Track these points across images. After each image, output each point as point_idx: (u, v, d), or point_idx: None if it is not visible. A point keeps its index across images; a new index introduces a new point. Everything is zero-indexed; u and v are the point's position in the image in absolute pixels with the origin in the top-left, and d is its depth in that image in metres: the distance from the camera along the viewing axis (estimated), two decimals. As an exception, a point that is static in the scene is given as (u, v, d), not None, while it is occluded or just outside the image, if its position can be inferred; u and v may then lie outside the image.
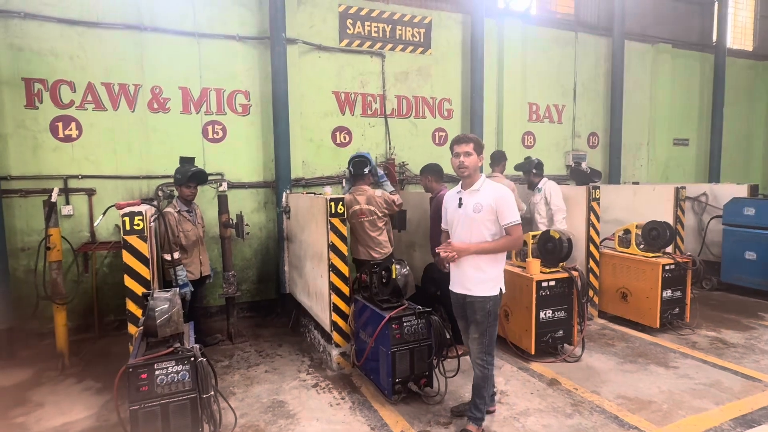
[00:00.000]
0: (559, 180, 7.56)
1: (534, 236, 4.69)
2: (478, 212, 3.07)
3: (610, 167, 8.70)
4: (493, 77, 7.60)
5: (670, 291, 5.09)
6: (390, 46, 6.81)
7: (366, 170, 4.72)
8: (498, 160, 6.03)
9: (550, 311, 4.41)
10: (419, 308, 3.72)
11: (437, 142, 7.30)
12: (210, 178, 5.68)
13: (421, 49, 7.04)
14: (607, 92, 8.67)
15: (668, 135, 9.52)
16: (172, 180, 5.53)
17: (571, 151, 8.41)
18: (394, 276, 3.77)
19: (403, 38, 6.90)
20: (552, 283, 4.39)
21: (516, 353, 4.55)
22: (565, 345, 4.58)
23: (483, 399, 3.21)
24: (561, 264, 4.52)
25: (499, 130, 7.75)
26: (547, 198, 5.64)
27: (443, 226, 3.42)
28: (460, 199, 3.18)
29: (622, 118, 8.58)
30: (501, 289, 3.16)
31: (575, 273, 4.45)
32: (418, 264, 5.42)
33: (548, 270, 4.46)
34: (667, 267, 5.04)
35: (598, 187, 5.65)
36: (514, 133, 7.81)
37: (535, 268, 4.41)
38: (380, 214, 4.66)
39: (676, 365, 4.33)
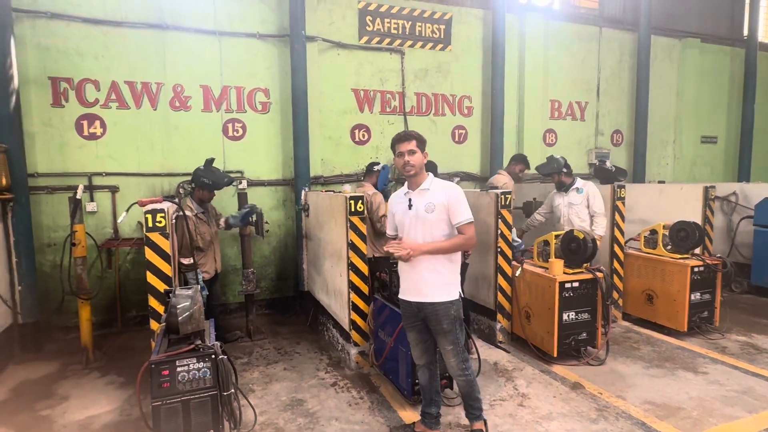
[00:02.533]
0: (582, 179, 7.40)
1: (557, 236, 4.59)
2: (431, 212, 2.90)
3: (635, 166, 8.49)
4: (514, 74, 7.48)
5: (699, 294, 4.93)
6: (409, 42, 6.76)
7: (375, 168, 5.22)
8: (516, 161, 6.10)
9: (574, 313, 4.31)
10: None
11: (457, 140, 7.22)
12: (230, 175, 5.72)
13: (440, 46, 6.97)
14: (632, 88, 8.46)
15: (696, 132, 9.25)
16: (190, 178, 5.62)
17: (594, 149, 8.23)
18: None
19: (423, 35, 6.84)
20: (575, 284, 4.29)
21: (537, 355, 4.47)
22: (589, 348, 4.48)
23: (476, 399, 3.10)
24: (585, 265, 4.41)
25: (520, 128, 7.63)
26: (589, 201, 5.28)
27: (389, 231, 3.19)
28: (410, 200, 2.99)
29: (647, 115, 8.36)
30: (460, 293, 3.00)
31: (600, 274, 4.34)
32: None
33: (571, 271, 4.36)
34: (696, 269, 4.88)
35: (623, 186, 5.52)
36: (535, 131, 7.68)
37: (558, 268, 4.32)
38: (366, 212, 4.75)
39: (706, 371, 4.19)
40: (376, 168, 5.29)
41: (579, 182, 5.43)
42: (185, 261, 4.35)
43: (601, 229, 5.22)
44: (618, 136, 8.53)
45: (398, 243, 2.91)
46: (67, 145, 5.29)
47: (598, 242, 5.06)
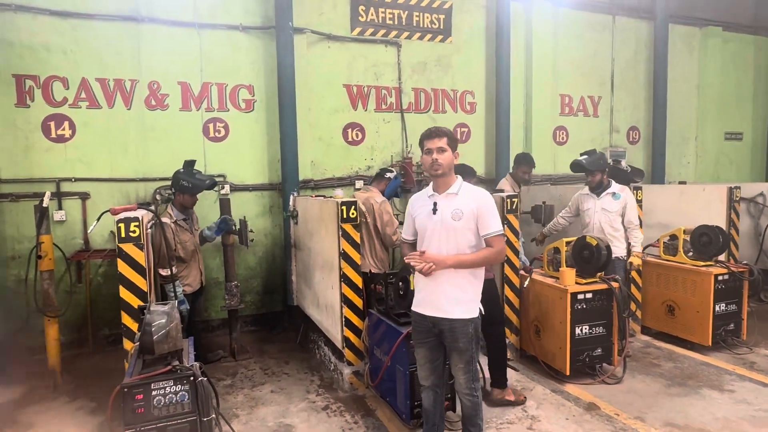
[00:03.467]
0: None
1: (568, 243, 4.61)
2: (458, 220, 2.86)
3: (653, 165, 8.54)
4: (521, 67, 7.54)
5: (723, 304, 4.95)
6: (406, 34, 6.81)
7: (387, 175, 5.14)
8: (518, 163, 6.09)
9: (587, 327, 4.32)
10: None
11: (459, 138, 7.24)
12: (213, 177, 5.74)
13: (440, 37, 7.02)
14: (648, 82, 8.52)
15: (719, 128, 9.31)
16: (170, 182, 5.63)
17: (608, 148, 8.27)
18: (412, 288, 3.72)
19: (421, 25, 6.89)
20: (589, 295, 4.30)
21: (548, 374, 4.48)
22: (604, 365, 4.48)
23: (477, 425, 3.09)
24: (599, 274, 4.43)
25: (528, 126, 7.67)
26: (626, 210, 5.04)
27: (406, 236, 3.18)
28: (435, 204, 2.95)
29: (666, 110, 8.42)
30: (480, 310, 3.00)
31: (615, 284, 4.36)
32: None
33: (584, 281, 4.38)
34: (720, 277, 4.90)
35: (641, 188, 5.54)
36: (544, 129, 7.73)
37: (569, 278, 4.34)
38: (369, 219, 4.77)
39: (732, 388, 4.20)
40: (387, 175, 5.15)
41: (615, 186, 5.15)
42: (162, 272, 4.35)
43: (638, 244, 5.04)
44: (634, 133, 8.59)
45: (418, 255, 2.85)
46: (33, 149, 5.30)
47: (638, 260, 5.01)
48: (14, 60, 5.18)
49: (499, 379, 4.00)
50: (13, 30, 5.16)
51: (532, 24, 7.53)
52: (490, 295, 3.86)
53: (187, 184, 4.65)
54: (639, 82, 8.50)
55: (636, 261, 5.00)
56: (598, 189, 5.16)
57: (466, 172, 4.58)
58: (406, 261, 2.91)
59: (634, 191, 5.43)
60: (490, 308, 3.69)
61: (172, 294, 4.34)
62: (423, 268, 2.79)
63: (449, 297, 2.91)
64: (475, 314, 2.96)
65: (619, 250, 5.00)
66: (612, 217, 5.07)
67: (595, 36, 8.08)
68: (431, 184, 3.05)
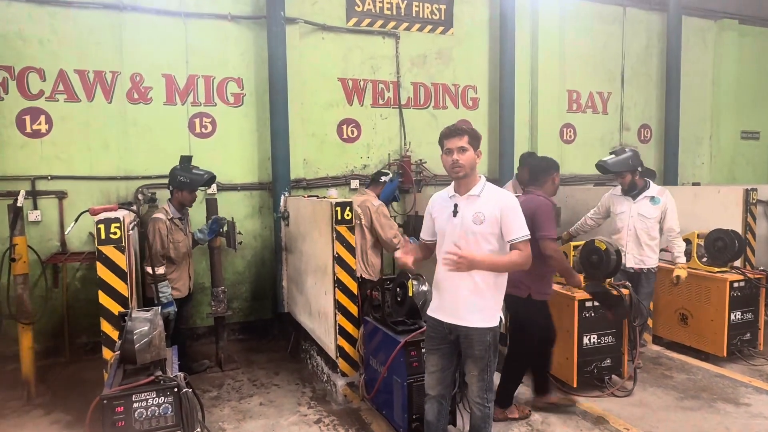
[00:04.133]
0: (604, 181, 7.48)
1: (575, 247, 4.63)
2: (480, 224, 2.87)
3: (666, 165, 8.57)
4: (526, 61, 7.57)
5: (739, 313, 4.98)
6: (405, 25, 6.83)
7: (382, 179, 5.20)
8: (524, 165, 6.01)
9: (596, 336, 4.34)
10: (440, 332, 3.68)
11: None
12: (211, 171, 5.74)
13: (441, 29, 7.04)
14: (661, 77, 8.57)
15: (735, 127, 9.36)
16: (153, 182, 5.63)
17: (618, 147, 8.30)
18: (410, 294, 3.74)
19: (421, 16, 6.92)
20: (597, 302, 4.32)
21: (554, 385, 4.48)
22: (614, 376, 4.50)
23: None
24: (608, 280, 4.45)
25: (533, 123, 7.70)
26: (666, 215, 4.82)
27: (425, 236, 3.21)
28: (456, 205, 2.97)
29: (679, 107, 8.46)
30: (501, 318, 3.02)
31: (625, 291, 4.38)
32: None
33: (593, 287, 4.40)
34: (735, 284, 4.94)
35: (652, 189, 5.56)
36: (550, 126, 7.76)
37: (577, 284, 4.35)
38: (363, 221, 4.84)
39: (748, 402, 4.22)
40: (383, 179, 5.19)
41: (654, 188, 4.90)
42: (160, 270, 4.42)
43: (682, 254, 4.90)
44: (646, 131, 8.63)
45: (454, 253, 2.78)
46: (7, 144, 5.28)
47: (684, 273, 4.88)
48: (-13, 50, 5.17)
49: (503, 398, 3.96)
50: (-14, 18, 5.15)
51: (538, 15, 7.57)
52: (545, 314, 3.93)
53: (185, 180, 4.68)
54: (651, 78, 8.55)
55: (683, 274, 4.87)
56: (632, 191, 4.90)
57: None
58: (450, 252, 2.78)
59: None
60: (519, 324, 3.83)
61: (165, 293, 4.39)
62: (459, 268, 2.76)
63: (468, 303, 2.94)
64: (495, 323, 2.97)
65: (651, 261, 4.85)
66: (650, 224, 4.82)
67: (605, 28, 8.12)
68: (452, 183, 3.05)
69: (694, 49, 8.82)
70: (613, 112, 8.31)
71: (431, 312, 3.13)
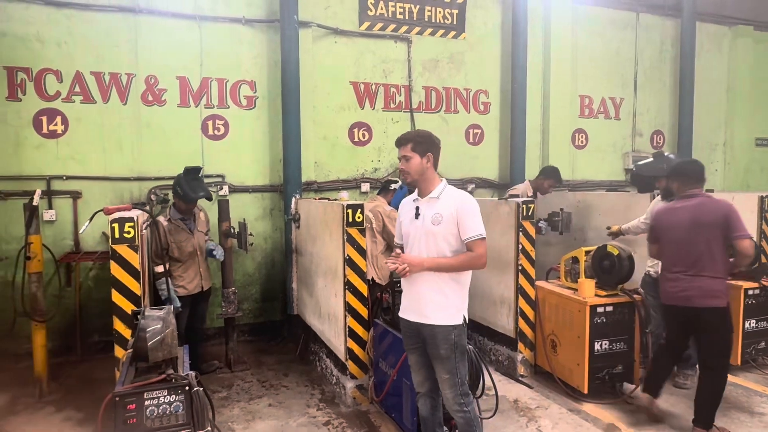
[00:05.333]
0: (617, 187, 7.43)
1: (587, 252, 4.60)
2: (438, 225, 2.97)
3: (679, 172, 8.49)
4: (538, 66, 7.55)
5: (754, 321, 4.91)
6: (417, 29, 6.85)
7: (392, 186, 5.38)
8: (546, 175, 6.12)
9: (607, 342, 4.31)
10: (451, 335, 3.67)
11: (471, 140, 7.27)
12: (209, 180, 5.79)
13: (453, 33, 7.06)
14: (674, 83, 8.51)
15: (749, 134, 9.25)
16: (166, 182, 5.68)
17: (630, 153, 8.25)
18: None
19: (433, 20, 6.94)
20: (609, 308, 4.30)
21: (565, 391, 4.46)
22: (626, 383, 4.46)
23: None
24: (620, 286, 4.42)
25: (545, 128, 7.67)
26: None
27: (397, 240, 3.31)
28: (417, 208, 3.08)
29: (692, 113, 8.39)
30: (465, 317, 3.06)
31: (638, 297, 4.35)
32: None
33: (605, 293, 4.37)
34: (750, 292, 4.87)
35: (665, 195, 5.51)
36: (562, 131, 7.72)
37: (588, 290, 4.33)
38: (374, 225, 4.99)
39: (763, 411, 4.17)
40: (393, 186, 5.40)
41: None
42: (157, 269, 4.51)
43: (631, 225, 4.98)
44: (659, 137, 8.57)
45: (395, 257, 2.98)
46: (24, 145, 5.36)
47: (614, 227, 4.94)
48: (6, 51, 5.26)
49: (705, 418, 3.73)
50: (5, 20, 5.23)
51: (550, 21, 7.55)
52: (726, 324, 3.72)
53: (180, 192, 4.76)
54: (664, 84, 8.49)
55: (612, 250, 4.76)
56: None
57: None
58: (385, 262, 3.04)
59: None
60: (721, 337, 3.68)
61: (162, 289, 4.47)
62: (398, 269, 2.90)
63: (429, 302, 3.01)
64: (458, 321, 3.02)
65: None
66: None
67: (618, 34, 8.09)
68: (417, 189, 3.15)
69: (708, 55, 8.76)
70: (625, 117, 8.27)
71: (401, 312, 3.22)
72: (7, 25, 5.25)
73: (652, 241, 4.03)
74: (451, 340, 2.99)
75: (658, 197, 4.99)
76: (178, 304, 4.57)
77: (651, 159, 4.96)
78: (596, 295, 4.34)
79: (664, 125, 8.57)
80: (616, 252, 4.37)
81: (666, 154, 5.04)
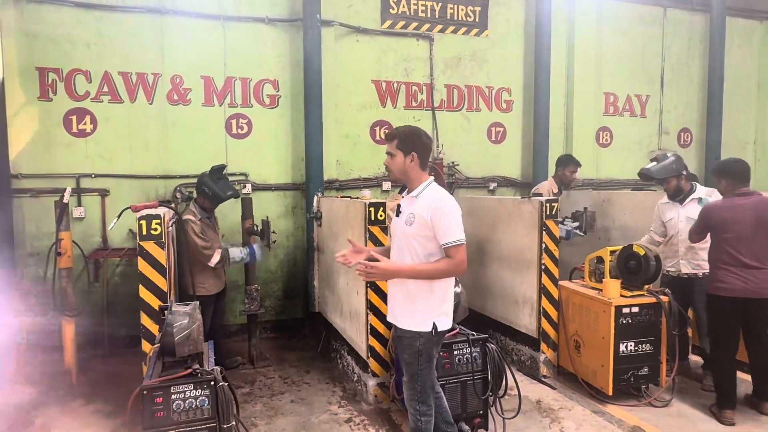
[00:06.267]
0: (642, 186, 7.29)
1: (612, 252, 4.53)
2: (410, 225, 2.85)
3: (707, 171, 8.30)
4: (562, 63, 7.46)
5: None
6: (439, 27, 6.82)
7: None
8: (563, 164, 5.97)
9: (633, 344, 4.24)
10: (473, 335, 3.67)
11: (493, 139, 7.22)
12: (233, 179, 5.86)
13: (475, 31, 7.01)
14: (702, 80, 8.31)
15: (781, 132, 9.01)
16: (191, 180, 5.76)
17: (656, 151, 8.09)
18: (443, 295, 3.73)
19: (455, 18, 6.90)
20: (635, 309, 4.23)
21: (588, 393, 4.40)
22: (651, 386, 4.39)
23: None
24: (646, 286, 4.34)
25: (568, 126, 7.58)
26: None
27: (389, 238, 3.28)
28: (399, 206, 3.02)
29: (722, 111, 8.19)
30: (435, 325, 2.88)
31: (665, 298, 4.27)
32: (467, 281, 5.35)
33: (630, 293, 4.30)
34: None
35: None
36: (586, 129, 7.62)
37: (614, 290, 4.26)
38: None
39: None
40: None
41: (701, 190, 4.74)
42: (213, 262, 4.66)
43: None
44: (686, 135, 8.39)
45: (365, 262, 2.81)
46: (54, 143, 5.50)
47: None
48: (37, 53, 5.40)
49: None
50: (37, 22, 5.37)
51: (574, 17, 7.45)
52: None
53: (207, 191, 4.81)
54: (692, 80, 8.30)
55: (638, 250, 4.59)
56: (678, 196, 4.75)
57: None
58: (337, 258, 2.99)
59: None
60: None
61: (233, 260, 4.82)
62: (359, 271, 2.79)
63: (399, 305, 2.96)
64: (426, 329, 2.88)
65: (707, 265, 4.57)
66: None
67: (644, 30, 7.94)
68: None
69: (738, 51, 8.54)
70: (651, 115, 8.11)
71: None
72: (40, 27, 5.38)
73: (699, 231, 4.13)
74: (416, 347, 2.89)
75: (660, 199, 4.96)
76: (249, 254, 4.89)
77: (656, 163, 4.85)
78: (621, 295, 4.27)
79: (692, 123, 8.38)
80: (642, 252, 4.29)
81: (668, 155, 4.87)
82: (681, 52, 8.20)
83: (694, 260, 4.62)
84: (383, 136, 6.64)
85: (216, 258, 4.68)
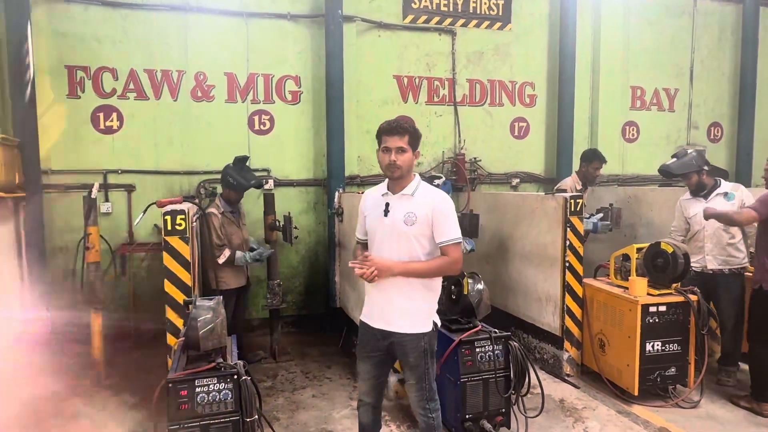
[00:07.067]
0: (670, 182, 7.12)
1: (639, 249, 4.43)
2: (411, 225, 2.74)
3: (738, 166, 8.08)
4: (587, 57, 7.32)
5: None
6: (462, 21, 6.76)
7: (435, 182, 5.18)
8: (588, 160, 5.81)
9: (659, 343, 4.15)
10: (496, 332, 3.64)
11: (516, 134, 7.13)
12: (255, 174, 5.89)
13: (498, 24, 6.92)
14: (734, 72, 8.07)
15: (817, 125, 8.69)
16: (214, 176, 5.83)
17: (686, 146, 7.90)
18: (465, 292, 3.71)
19: (478, 11, 6.82)
20: (662, 308, 4.14)
21: (613, 392, 4.33)
22: (678, 386, 4.30)
23: None
24: (674, 285, 4.25)
25: (593, 120, 7.44)
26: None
27: (359, 234, 3.05)
28: (387, 204, 2.83)
29: (754, 104, 7.95)
30: (435, 323, 2.89)
31: (693, 297, 4.17)
32: (489, 278, 5.30)
33: (657, 292, 4.21)
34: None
35: (724, 191, 5.24)
36: (611, 124, 7.47)
37: (640, 288, 4.18)
38: None
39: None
40: (436, 182, 5.23)
41: (726, 185, 4.62)
42: (221, 260, 4.66)
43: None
44: (716, 129, 8.16)
45: (363, 260, 2.72)
46: (83, 140, 5.62)
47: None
48: (66, 51, 5.51)
49: None
50: (66, 21, 5.48)
51: (600, 8, 7.30)
52: None
53: (232, 181, 4.85)
54: (723, 73, 8.07)
55: (666, 248, 4.46)
56: (701, 191, 4.65)
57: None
58: (350, 265, 2.81)
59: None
60: None
61: (239, 262, 4.81)
62: (365, 275, 2.66)
63: (399, 309, 2.82)
64: (428, 328, 2.85)
65: (737, 261, 4.51)
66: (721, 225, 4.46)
67: (673, 22, 7.74)
68: (386, 181, 2.91)
69: (772, 42, 8.26)
70: (680, 109, 7.91)
71: (362, 317, 3.02)
72: (68, 26, 5.49)
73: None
74: (421, 347, 2.83)
75: (681, 196, 4.85)
76: (261, 252, 4.93)
77: (675, 159, 4.74)
78: (648, 294, 4.19)
79: (723, 117, 8.15)
80: (670, 250, 4.19)
81: (688, 150, 4.79)
82: (711, 43, 7.97)
83: (720, 256, 4.50)
84: (405, 132, 6.61)
85: (223, 258, 4.71)
